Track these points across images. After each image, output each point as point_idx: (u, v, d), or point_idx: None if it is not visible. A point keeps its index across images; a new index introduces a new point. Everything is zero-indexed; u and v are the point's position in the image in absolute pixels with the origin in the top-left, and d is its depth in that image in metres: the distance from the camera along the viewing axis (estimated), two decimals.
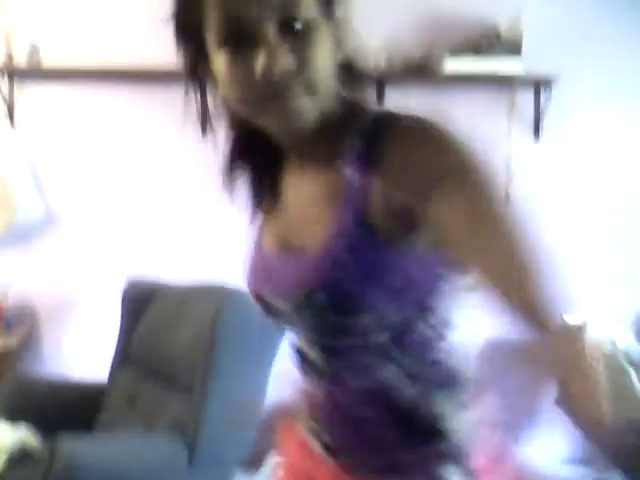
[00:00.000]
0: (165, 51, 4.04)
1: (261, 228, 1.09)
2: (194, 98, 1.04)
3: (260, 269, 1.05)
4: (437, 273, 0.95)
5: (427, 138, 0.90)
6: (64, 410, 2.76)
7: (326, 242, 0.90)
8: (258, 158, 1.03)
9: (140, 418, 2.64)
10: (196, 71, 1.01)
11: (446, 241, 0.87)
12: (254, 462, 2.75)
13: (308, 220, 0.95)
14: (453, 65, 3.49)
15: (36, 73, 3.56)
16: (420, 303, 0.96)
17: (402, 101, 3.92)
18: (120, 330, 2.99)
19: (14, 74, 3.54)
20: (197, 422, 2.43)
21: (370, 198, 0.89)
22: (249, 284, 1.08)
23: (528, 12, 3.48)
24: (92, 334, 3.56)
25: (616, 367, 3.12)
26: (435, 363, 1.00)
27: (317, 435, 1.08)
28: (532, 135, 3.73)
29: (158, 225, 3.62)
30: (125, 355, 2.93)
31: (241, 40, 0.87)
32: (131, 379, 2.81)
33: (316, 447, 1.08)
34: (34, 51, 3.54)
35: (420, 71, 3.55)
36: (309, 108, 0.89)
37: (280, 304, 0.97)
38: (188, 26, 0.97)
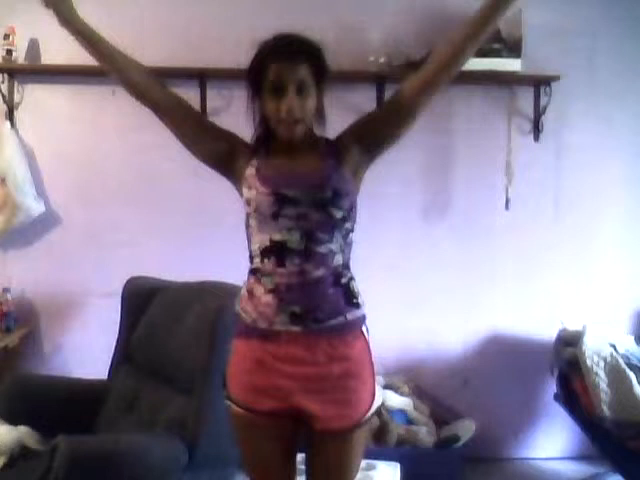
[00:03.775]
0: (165, 50, 4.03)
1: (262, 167, 1.83)
2: (251, 115, 1.87)
3: (277, 179, 1.79)
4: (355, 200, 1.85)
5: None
6: (64, 410, 2.76)
7: (323, 169, 1.80)
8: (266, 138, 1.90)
9: (140, 418, 2.64)
10: (254, 99, 1.84)
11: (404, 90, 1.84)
12: None
13: (308, 164, 1.82)
14: None
15: (36, 72, 3.56)
16: (352, 209, 1.83)
17: None
18: (120, 330, 2.98)
19: (14, 73, 3.55)
20: (197, 422, 2.43)
21: (338, 160, 1.84)
22: (271, 185, 1.77)
23: (528, 12, 3.48)
24: (92, 334, 3.57)
25: (616, 371, 3.12)
26: (348, 264, 1.86)
27: (284, 310, 1.77)
28: (532, 134, 3.73)
29: (158, 225, 3.62)
30: (125, 355, 2.93)
31: (279, 92, 1.76)
32: (131, 379, 2.81)
33: (280, 323, 1.78)
34: (34, 50, 3.54)
35: None
36: (301, 128, 1.81)
37: (297, 194, 1.76)
38: (256, 78, 1.80)
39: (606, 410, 3.06)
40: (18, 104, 3.58)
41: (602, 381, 3.10)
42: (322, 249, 1.77)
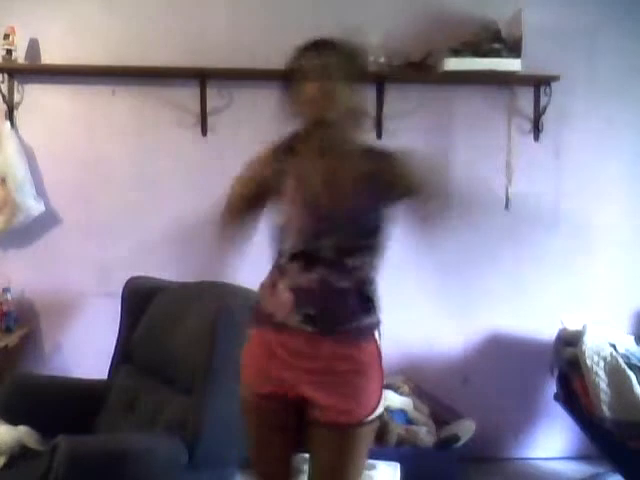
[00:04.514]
0: (165, 50, 4.03)
1: (292, 185, 1.86)
2: (285, 104, 1.89)
3: (310, 205, 1.82)
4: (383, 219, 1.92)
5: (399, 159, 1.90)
6: (64, 410, 2.76)
7: (352, 195, 1.81)
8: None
9: (140, 418, 2.63)
10: (287, 90, 1.88)
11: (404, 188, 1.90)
12: None
13: (340, 180, 1.83)
14: (453, 64, 3.48)
15: (36, 72, 3.56)
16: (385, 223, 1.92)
17: (402, 99, 3.91)
18: (120, 330, 2.99)
19: (14, 73, 3.55)
20: (197, 422, 2.43)
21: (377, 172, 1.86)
22: (306, 211, 1.82)
23: (528, 12, 3.48)
24: (92, 334, 3.56)
25: (616, 370, 3.12)
26: (375, 275, 1.90)
27: (298, 311, 1.82)
28: (532, 134, 3.73)
29: (158, 224, 3.61)
30: (125, 354, 2.93)
31: (310, 79, 1.80)
32: (131, 378, 2.81)
33: (293, 320, 1.83)
34: (34, 50, 3.54)
35: (420, 70, 3.55)
36: (330, 111, 1.81)
37: (330, 216, 1.79)
38: (292, 72, 1.86)
39: (606, 410, 3.06)
40: (18, 104, 3.58)
41: (602, 381, 3.10)
42: (352, 262, 1.84)
